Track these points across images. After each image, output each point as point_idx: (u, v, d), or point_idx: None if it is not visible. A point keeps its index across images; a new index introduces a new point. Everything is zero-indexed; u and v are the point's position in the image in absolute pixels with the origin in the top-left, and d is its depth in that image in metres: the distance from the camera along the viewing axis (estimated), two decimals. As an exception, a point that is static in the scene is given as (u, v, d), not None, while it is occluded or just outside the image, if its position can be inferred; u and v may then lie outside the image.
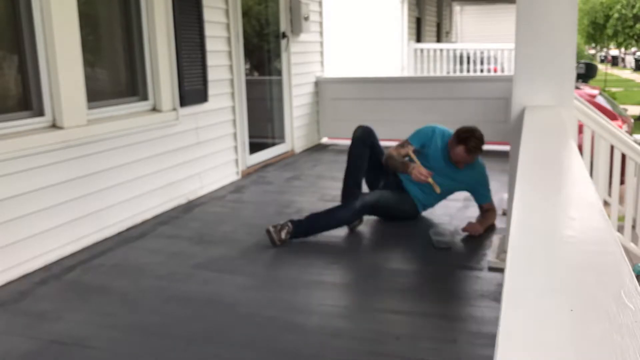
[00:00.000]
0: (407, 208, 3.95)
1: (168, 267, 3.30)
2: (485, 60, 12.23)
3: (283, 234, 3.57)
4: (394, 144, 6.82)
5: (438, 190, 3.79)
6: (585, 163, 3.88)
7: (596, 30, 22.34)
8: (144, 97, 4.27)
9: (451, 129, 3.96)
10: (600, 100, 8.29)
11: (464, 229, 3.70)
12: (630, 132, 7.62)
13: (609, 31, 21.59)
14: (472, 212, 4.13)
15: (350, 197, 3.88)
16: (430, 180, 3.75)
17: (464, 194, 4.64)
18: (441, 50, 12.50)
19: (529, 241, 1.15)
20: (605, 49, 35.20)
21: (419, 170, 3.75)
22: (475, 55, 12.26)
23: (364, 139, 4.01)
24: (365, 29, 11.44)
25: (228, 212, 4.31)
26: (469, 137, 3.75)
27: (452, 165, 3.87)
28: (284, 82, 6.37)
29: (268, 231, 3.59)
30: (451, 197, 4.54)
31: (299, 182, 5.32)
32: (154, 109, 4.30)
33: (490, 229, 3.77)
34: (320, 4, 7.16)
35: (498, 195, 4.52)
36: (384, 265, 3.27)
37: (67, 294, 3.00)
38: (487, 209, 3.87)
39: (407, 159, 3.90)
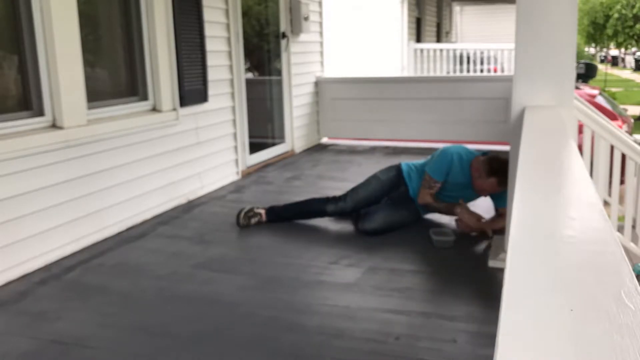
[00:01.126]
0: (410, 220, 3.91)
1: (168, 267, 3.30)
2: (485, 60, 12.23)
3: (252, 221, 3.94)
4: (394, 144, 6.88)
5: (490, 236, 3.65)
6: (585, 163, 3.88)
7: (596, 30, 22.35)
8: (144, 97, 4.27)
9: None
10: (600, 100, 8.29)
11: (458, 223, 3.73)
12: (630, 132, 7.62)
13: (609, 31, 21.60)
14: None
15: (347, 198, 3.94)
16: (480, 226, 3.66)
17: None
18: (441, 50, 12.51)
19: (529, 241, 1.15)
20: (605, 49, 35.20)
21: (467, 220, 3.68)
22: (475, 55, 12.26)
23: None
24: (365, 29, 11.45)
25: (228, 212, 4.31)
26: (504, 170, 3.42)
27: (475, 193, 3.81)
28: (284, 82, 6.37)
29: (240, 211, 3.95)
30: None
31: (299, 182, 5.32)
32: (154, 109, 4.30)
33: (495, 232, 3.73)
34: (320, 4, 7.16)
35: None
36: (384, 265, 3.27)
37: (67, 294, 3.00)
38: (502, 213, 3.81)
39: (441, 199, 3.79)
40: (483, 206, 4.06)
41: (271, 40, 6.33)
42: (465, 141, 6.79)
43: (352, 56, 10.75)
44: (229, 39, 5.16)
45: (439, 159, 3.79)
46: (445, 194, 3.79)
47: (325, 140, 7.35)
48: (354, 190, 4.00)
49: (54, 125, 3.41)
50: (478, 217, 3.70)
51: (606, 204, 4.24)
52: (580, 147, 3.16)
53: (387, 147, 6.86)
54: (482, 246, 3.54)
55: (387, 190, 3.95)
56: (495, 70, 12.12)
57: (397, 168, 4.01)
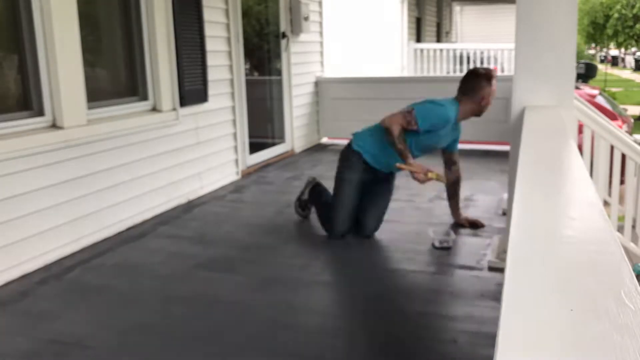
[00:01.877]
0: (390, 192, 3.82)
1: (168, 267, 3.30)
2: (485, 60, 12.23)
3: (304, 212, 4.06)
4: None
5: (445, 180, 3.64)
6: (585, 163, 3.88)
7: (596, 30, 22.36)
8: (144, 97, 4.27)
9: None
10: (600, 100, 8.29)
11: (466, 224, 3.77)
12: (630, 132, 7.62)
13: (609, 31, 21.61)
14: (472, 212, 4.13)
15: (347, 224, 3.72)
16: (432, 176, 3.46)
17: (464, 194, 4.64)
18: (441, 50, 12.50)
19: (529, 241, 1.15)
20: (605, 49, 35.20)
21: (418, 171, 3.45)
22: (475, 55, 12.26)
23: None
24: (365, 29, 11.44)
25: (228, 212, 4.31)
26: (490, 72, 3.61)
27: (456, 125, 3.72)
28: (284, 82, 6.37)
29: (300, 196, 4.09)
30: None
31: (299, 182, 5.31)
32: (154, 109, 4.30)
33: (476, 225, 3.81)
34: (320, 4, 7.16)
35: (498, 195, 4.52)
36: (384, 265, 3.27)
37: (67, 294, 3.00)
38: (456, 160, 3.83)
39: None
40: (483, 206, 4.06)
41: (271, 40, 6.32)
42: (465, 141, 6.79)
43: (352, 56, 10.74)
44: (229, 39, 5.16)
45: (434, 112, 3.53)
46: (433, 143, 3.68)
47: (325, 140, 7.34)
48: (335, 213, 3.69)
49: (54, 125, 3.41)
50: (426, 175, 3.47)
51: (606, 204, 4.24)
52: (580, 147, 3.16)
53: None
54: (481, 245, 3.53)
55: (361, 184, 3.71)
56: (495, 70, 12.11)
57: (349, 148, 3.74)
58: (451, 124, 3.63)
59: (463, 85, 3.66)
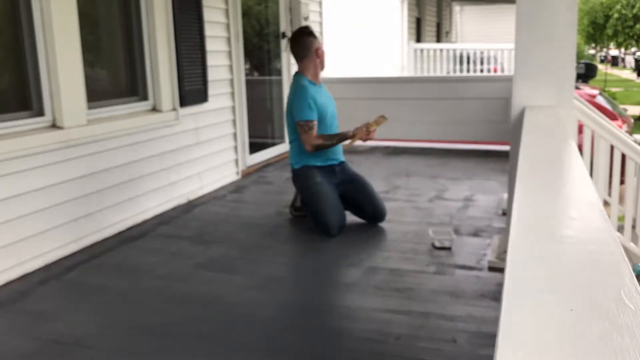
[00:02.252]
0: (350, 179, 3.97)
1: (168, 267, 3.30)
2: (485, 60, 12.24)
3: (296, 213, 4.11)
4: (394, 144, 6.88)
5: (385, 117, 3.86)
6: (585, 163, 3.88)
7: (596, 30, 22.35)
8: (144, 97, 4.27)
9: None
10: (600, 100, 8.30)
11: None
12: (630, 132, 7.63)
13: (609, 31, 21.60)
14: (472, 212, 4.14)
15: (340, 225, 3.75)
16: (374, 127, 3.82)
17: (464, 194, 4.65)
18: (441, 50, 12.51)
19: (529, 241, 1.15)
20: (605, 49, 35.20)
21: (363, 134, 3.79)
22: (475, 55, 12.26)
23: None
24: (365, 29, 11.45)
25: (228, 212, 4.31)
26: (307, 27, 3.96)
27: (322, 88, 3.95)
28: (284, 82, 6.37)
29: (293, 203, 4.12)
30: (451, 197, 4.55)
31: (299, 182, 5.31)
32: (154, 109, 4.30)
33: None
34: (320, 4, 7.16)
35: (498, 195, 4.52)
36: (384, 265, 3.27)
37: (67, 294, 3.00)
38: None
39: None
40: (483, 206, 4.06)
41: (271, 40, 6.32)
42: (465, 141, 6.80)
43: (352, 56, 10.74)
44: (229, 39, 5.16)
45: (301, 98, 3.76)
46: (326, 113, 3.87)
47: (325, 140, 7.33)
48: (323, 210, 3.74)
49: (54, 125, 3.41)
50: (367, 128, 3.82)
51: (606, 204, 4.24)
52: (580, 147, 3.16)
53: (387, 147, 6.86)
54: (481, 245, 3.53)
55: (330, 184, 3.82)
56: (495, 70, 12.13)
57: (296, 171, 3.93)
58: (313, 89, 3.82)
59: (296, 53, 3.91)
